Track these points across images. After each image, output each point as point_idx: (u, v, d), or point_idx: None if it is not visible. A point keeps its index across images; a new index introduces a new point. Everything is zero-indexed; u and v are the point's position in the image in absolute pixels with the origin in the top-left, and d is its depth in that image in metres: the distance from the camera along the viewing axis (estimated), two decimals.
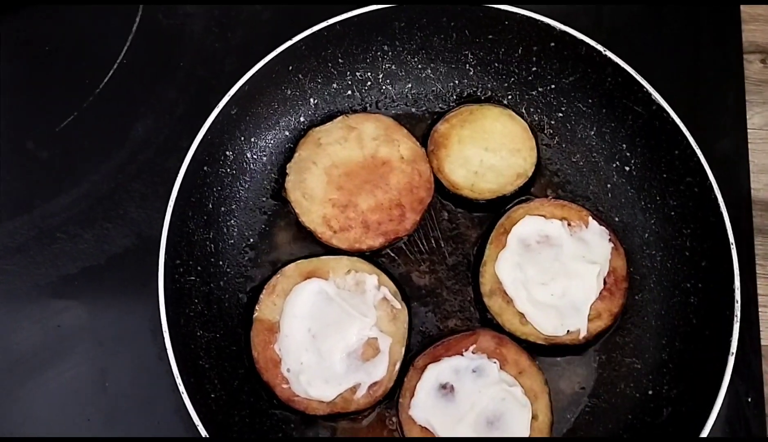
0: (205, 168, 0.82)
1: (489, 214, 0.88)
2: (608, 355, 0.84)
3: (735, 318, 0.75)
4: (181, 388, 0.73)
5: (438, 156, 0.88)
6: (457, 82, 0.92)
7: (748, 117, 0.96)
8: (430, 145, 0.89)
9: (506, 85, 0.91)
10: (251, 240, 0.87)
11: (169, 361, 0.75)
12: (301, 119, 0.90)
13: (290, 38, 0.84)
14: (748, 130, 0.96)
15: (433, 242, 0.88)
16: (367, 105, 0.92)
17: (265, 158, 0.89)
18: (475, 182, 0.87)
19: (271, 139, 0.89)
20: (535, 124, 0.91)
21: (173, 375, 0.75)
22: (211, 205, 0.84)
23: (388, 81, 0.91)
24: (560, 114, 0.91)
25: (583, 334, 0.82)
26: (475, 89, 0.92)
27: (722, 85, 0.99)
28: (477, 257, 0.87)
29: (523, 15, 0.83)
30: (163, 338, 0.75)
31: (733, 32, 1.00)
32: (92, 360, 0.85)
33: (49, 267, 0.87)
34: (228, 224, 0.86)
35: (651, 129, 0.85)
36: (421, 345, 0.84)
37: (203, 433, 0.72)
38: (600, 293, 0.83)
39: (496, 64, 0.90)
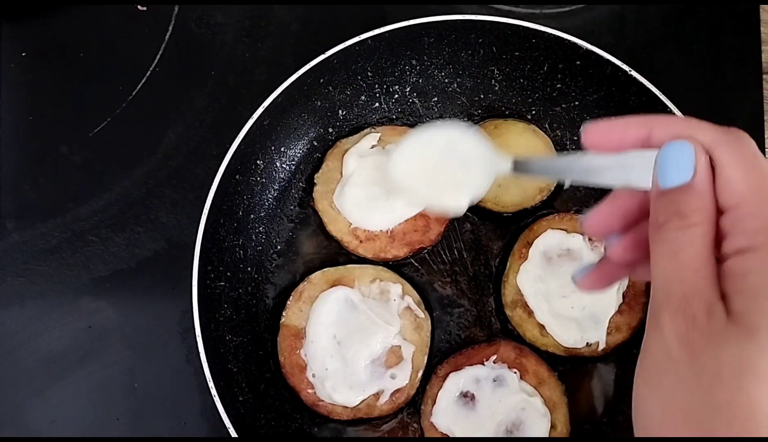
0: (237, 177, 0.84)
1: (511, 227, 0.90)
2: (626, 368, 0.85)
3: None
4: (213, 391, 0.74)
5: None
6: (482, 96, 0.94)
7: (766, 137, 0.98)
8: None
9: (530, 100, 0.93)
10: (279, 247, 0.89)
11: (196, 363, 0.77)
12: (330, 130, 0.92)
13: (318, 50, 0.86)
14: (766, 150, 0.97)
15: (456, 252, 0.90)
16: (394, 117, 0.94)
17: (293, 167, 0.91)
18: (499, 195, 0.89)
19: (299, 149, 0.91)
20: (558, 139, 0.93)
21: (200, 377, 0.77)
22: (241, 213, 0.86)
23: (415, 94, 0.93)
24: None
25: (602, 346, 0.83)
26: (499, 104, 0.94)
27: (741, 105, 1.00)
28: (499, 269, 0.89)
29: (551, 34, 0.84)
30: (191, 341, 0.78)
31: (752, 54, 1.01)
32: (121, 361, 0.87)
33: (81, 269, 0.89)
34: (257, 231, 0.88)
35: None
36: (443, 354, 0.86)
37: (233, 434, 0.74)
38: (619, 307, 0.84)
39: (522, 81, 0.92)
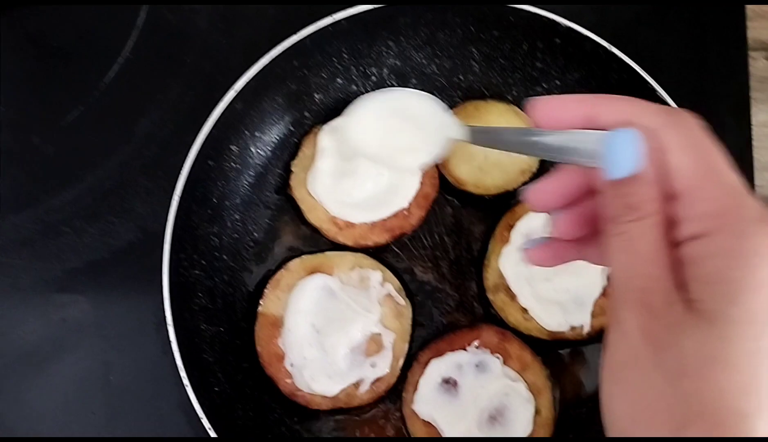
0: (210, 162, 0.82)
1: (493, 210, 0.88)
2: None
3: None
4: (186, 382, 0.73)
5: None
6: (461, 77, 0.92)
7: (752, 114, 0.96)
8: None
9: (511, 81, 0.91)
10: (255, 235, 0.87)
11: (172, 355, 0.75)
12: (306, 114, 0.90)
13: (296, 33, 0.84)
14: (753, 127, 0.96)
15: (437, 237, 0.88)
16: None
17: (269, 153, 0.89)
18: (480, 178, 0.87)
19: (275, 134, 0.89)
20: None
21: (177, 369, 0.75)
22: (215, 200, 0.84)
23: (393, 77, 0.91)
24: None
25: (586, 330, 0.82)
26: (479, 85, 0.92)
27: (727, 82, 0.99)
28: (481, 253, 0.87)
29: (529, 12, 0.82)
30: (168, 332, 0.76)
31: (738, 29, 1.00)
32: (97, 354, 0.85)
33: (54, 261, 0.87)
34: (232, 218, 0.86)
35: None
36: (424, 340, 0.84)
37: (207, 426, 0.73)
38: (604, 289, 0.83)
39: (501, 61, 0.90)
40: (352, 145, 0.61)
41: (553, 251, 0.54)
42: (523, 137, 0.50)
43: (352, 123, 0.61)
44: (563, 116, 0.47)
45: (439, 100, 0.60)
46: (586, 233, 0.51)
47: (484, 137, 0.55)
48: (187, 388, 0.73)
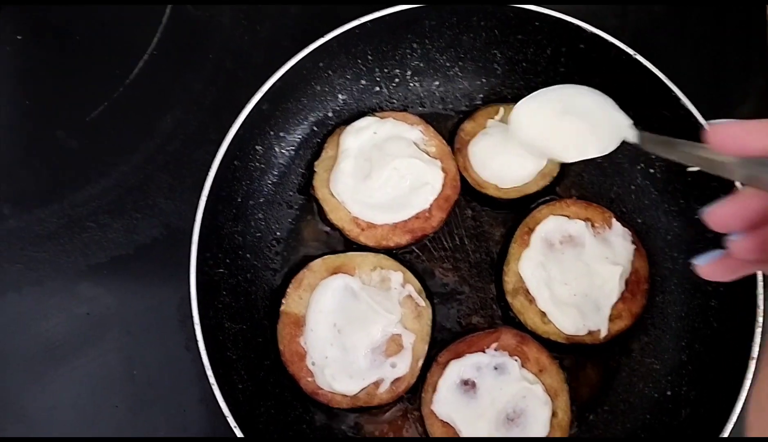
0: (236, 162, 0.83)
1: (513, 213, 0.89)
2: (628, 355, 0.85)
3: (757, 323, 0.76)
4: (212, 379, 0.74)
5: (464, 154, 0.89)
6: (484, 80, 0.92)
7: None
8: (457, 144, 0.90)
9: (533, 84, 0.91)
10: (278, 234, 0.88)
11: (195, 350, 0.76)
12: (329, 115, 0.90)
13: (317, 32, 0.84)
14: None
15: (457, 239, 0.89)
16: (395, 101, 0.93)
17: (293, 153, 0.89)
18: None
19: (299, 135, 0.89)
20: None
21: (199, 364, 0.76)
22: (240, 199, 0.85)
23: (416, 78, 0.92)
24: None
25: (603, 334, 0.83)
26: (502, 88, 0.92)
27: (745, 85, 0.99)
28: (500, 256, 0.88)
29: (554, 16, 0.83)
30: (190, 328, 0.76)
31: (758, 35, 1.00)
32: (120, 348, 0.86)
33: (79, 256, 0.89)
34: (256, 217, 0.87)
35: (677, 133, 0.85)
36: (444, 341, 0.85)
37: (232, 422, 0.74)
38: (621, 294, 0.84)
39: (524, 64, 0.90)
40: (517, 135, 0.60)
41: (727, 266, 0.54)
42: (703, 154, 0.49)
43: (521, 114, 0.60)
44: (746, 145, 0.45)
45: (612, 101, 0.59)
46: (764, 257, 0.50)
47: (656, 145, 0.56)
48: (213, 386, 0.74)
